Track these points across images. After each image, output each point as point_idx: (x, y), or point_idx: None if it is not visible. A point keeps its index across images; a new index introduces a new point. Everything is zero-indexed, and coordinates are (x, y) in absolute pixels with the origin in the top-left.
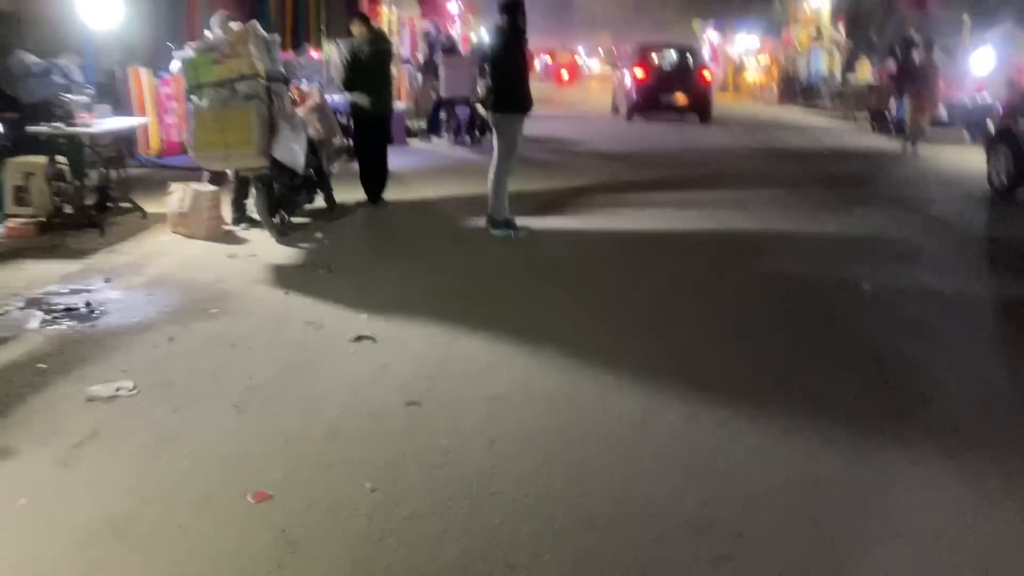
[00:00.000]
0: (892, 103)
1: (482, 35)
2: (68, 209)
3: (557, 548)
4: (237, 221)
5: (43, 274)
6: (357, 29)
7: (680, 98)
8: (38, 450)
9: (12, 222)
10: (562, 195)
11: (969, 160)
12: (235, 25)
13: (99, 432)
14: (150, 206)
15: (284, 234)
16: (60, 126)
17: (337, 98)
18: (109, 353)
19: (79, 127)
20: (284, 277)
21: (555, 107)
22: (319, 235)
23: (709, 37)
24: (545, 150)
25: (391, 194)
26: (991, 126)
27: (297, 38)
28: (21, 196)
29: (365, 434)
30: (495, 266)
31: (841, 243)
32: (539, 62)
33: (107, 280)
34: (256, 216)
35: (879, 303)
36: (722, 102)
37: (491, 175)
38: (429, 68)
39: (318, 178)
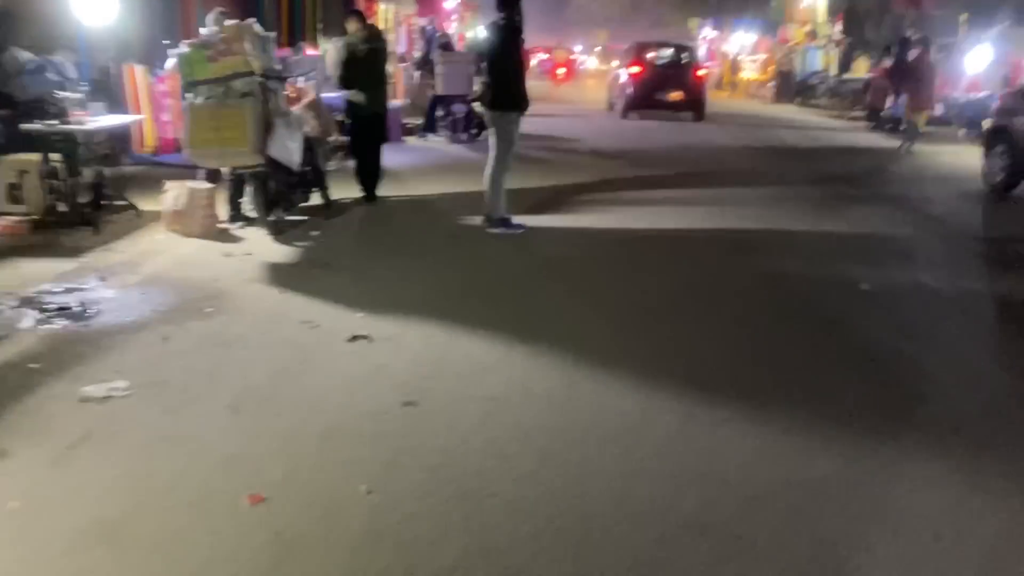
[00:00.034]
0: (888, 101)
1: (479, 32)
2: (62, 207)
3: (556, 549)
4: (233, 219)
5: (37, 273)
6: (352, 26)
7: (675, 96)
8: (30, 451)
9: (6, 220)
10: (559, 193)
11: (965, 158)
12: (231, 22)
13: (92, 433)
14: (145, 204)
15: (280, 232)
16: (54, 123)
17: (333, 95)
18: (103, 353)
19: (73, 125)
20: (280, 276)
21: (551, 104)
22: (315, 233)
23: (706, 35)
24: (541, 147)
25: (388, 192)
26: (987, 124)
27: (293, 35)
28: (15, 194)
29: (361, 435)
30: (492, 265)
31: (838, 241)
32: (535, 59)
33: (101, 279)
34: (252, 214)
35: (877, 302)
36: (719, 100)
37: (488, 173)
38: (426, 65)
39: (314, 176)
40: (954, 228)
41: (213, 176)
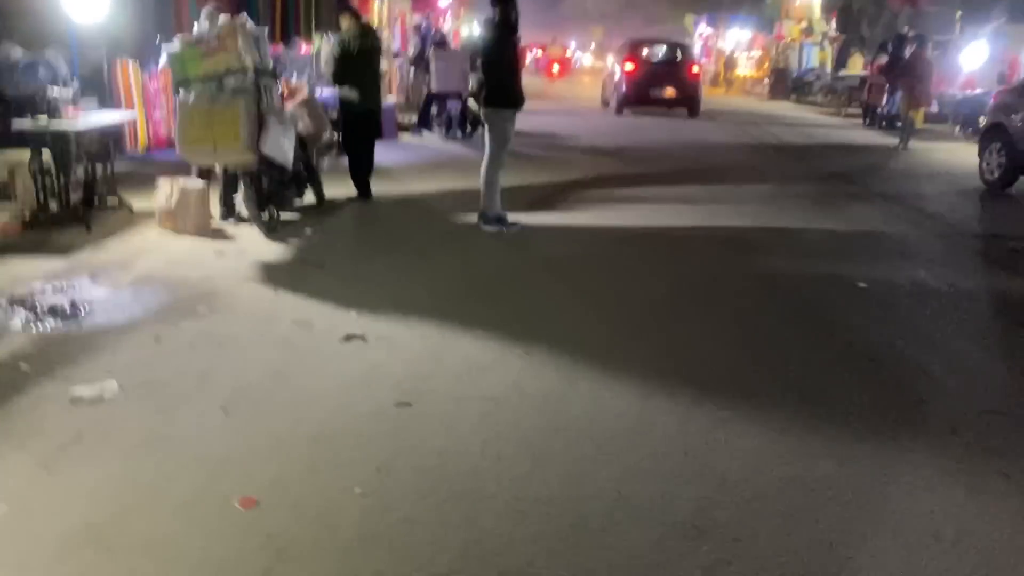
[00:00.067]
0: (884, 98)
1: (474, 29)
2: (53, 205)
3: (552, 553)
4: (226, 217)
5: (27, 271)
6: (346, 23)
7: (669, 92)
8: (19, 454)
9: None
10: (554, 190)
11: (961, 155)
12: (223, 18)
13: (82, 435)
14: (137, 202)
15: (273, 230)
16: (45, 121)
17: (327, 92)
18: (94, 353)
19: (65, 122)
20: (273, 274)
21: (546, 101)
22: (309, 231)
23: (701, 32)
24: (537, 144)
25: (382, 189)
26: (983, 122)
27: (287, 31)
28: (5, 192)
29: (355, 436)
30: (488, 263)
31: (835, 239)
32: (530, 56)
33: (93, 278)
34: (245, 212)
35: (875, 301)
36: (714, 97)
37: (483, 171)
38: (420, 62)
39: (307, 173)
40: (951, 225)
41: (206, 174)
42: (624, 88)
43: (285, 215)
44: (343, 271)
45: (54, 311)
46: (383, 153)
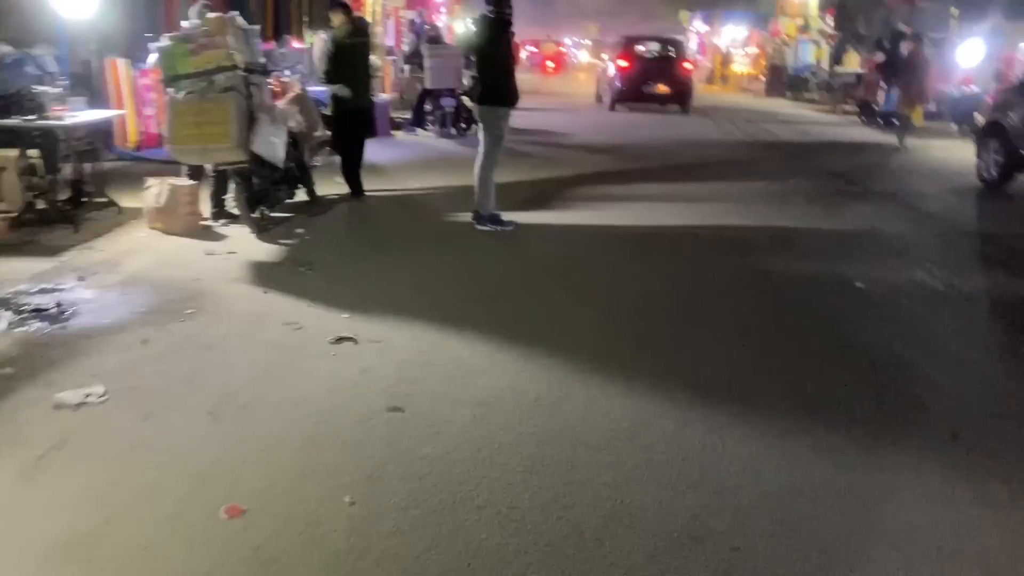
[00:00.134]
0: (880, 95)
1: (468, 25)
2: (41, 204)
3: (546, 564)
4: (216, 216)
5: (13, 272)
6: (337, 19)
7: (661, 88)
8: None
9: None
10: (549, 188)
11: (958, 153)
12: (213, 15)
13: (65, 441)
14: (126, 201)
15: (264, 230)
16: (33, 118)
17: (319, 89)
18: (79, 356)
19: (52, 120)
20: (263, 275)
21: (541, 98)
22: (300, 231)
23: (696, 28)
24: (531, 142)
25: (375, 187)
26: (980, 120)
27: (278, 28)
28: None
29: (345, 442)
30: (481, 263)
31: (833, 238)
32: (525, 52)
33: (80, 279)
34: (235, 211)
35: (873, 302)
36: (710, 94)
37: (477, 169)
38: (414, 59)
39: (299, 172)
40: (949, 224)
41: (196, 172)
42: (617, 84)
43: (276, 214)
44: (334, 272)
45: (39, 313)
46: (376, 151)
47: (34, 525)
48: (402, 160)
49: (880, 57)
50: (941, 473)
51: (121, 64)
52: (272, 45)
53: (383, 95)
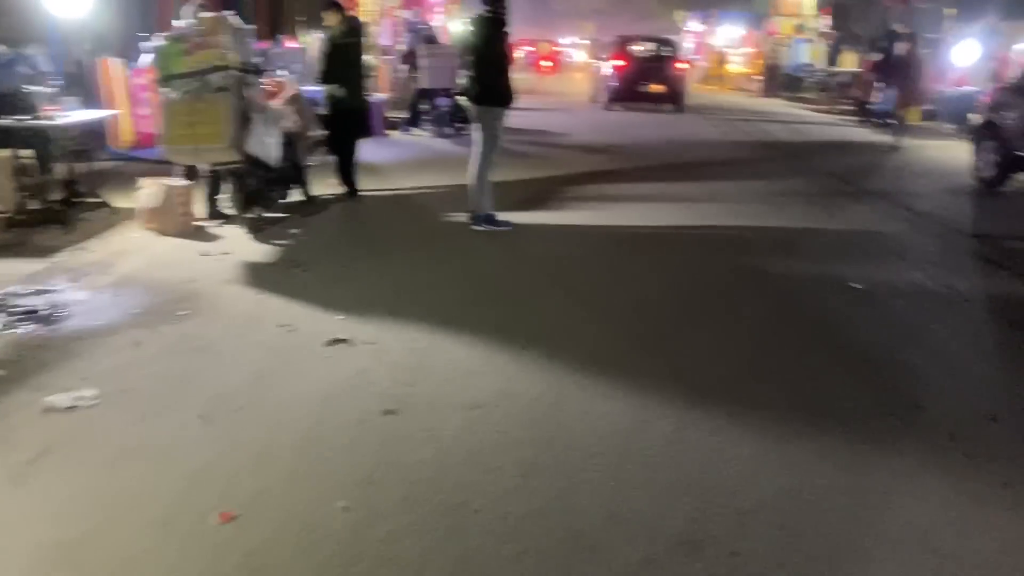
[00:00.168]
0: (876, 95)
1: (464, 25)
2: (33, 205)
3: (542, 570)
4: (210, 217)
5: (4, 273)
6: (332, 19)
7: (655, 88)
8: None
9: None
10: (546, 188)
11: (954, 153)
12: (207, 14)
13: (55, 446)
14: (120, 201)
15: (259, 230)
16: (25, 118)
17: (314, 89)
18: (71, 359)
19: (45, 119)
20: (258, 276)
21: (537, 97)
22: (295, 231)
23: (692, 28)
24: (527, 141)
25: (370, 187)
26: (976, 119)
27: (274, 28)
28: None
29: (339, 446)
30: (477, 264)
31: (830, 238)
32: (521, 52)
33: (72, 280)
34: (230, 212)
35: (870, 303)
36: (706, 93)
37: (473, 169)
38: (410, 59)
39: (294, 172)
40: (945, 224)
41: (190, 172)
42: (613, 84)
43: (271, 214)
44: (329, 272)
45: (30, 315)
46: (372, 150)
47: (23, 530)
48: (397, 160)
49: (876, 57)
50: (939, 475)
51: (114, 64)
52: (267, 45)
53: (379, 95)
